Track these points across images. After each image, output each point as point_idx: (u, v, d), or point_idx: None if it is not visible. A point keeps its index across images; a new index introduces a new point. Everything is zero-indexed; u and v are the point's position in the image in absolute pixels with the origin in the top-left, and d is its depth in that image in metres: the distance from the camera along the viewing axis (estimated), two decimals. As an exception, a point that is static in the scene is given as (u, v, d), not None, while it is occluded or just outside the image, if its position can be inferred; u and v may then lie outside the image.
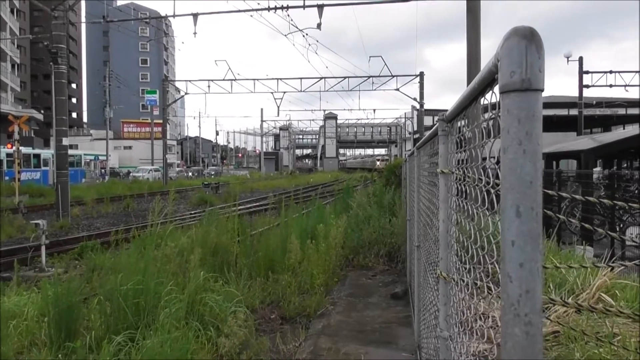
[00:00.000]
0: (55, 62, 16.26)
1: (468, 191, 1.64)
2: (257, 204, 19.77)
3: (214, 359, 4.35)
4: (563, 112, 32.77)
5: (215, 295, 5.16)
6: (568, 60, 27.07)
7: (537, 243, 0.86)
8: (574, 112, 29.12)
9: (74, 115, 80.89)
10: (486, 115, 1.28)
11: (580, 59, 27.14)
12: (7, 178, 29.75)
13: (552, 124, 32.31)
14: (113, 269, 6.03)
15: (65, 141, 16.64)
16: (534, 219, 0.86)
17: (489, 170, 1.27)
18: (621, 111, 32.32)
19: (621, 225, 11.01)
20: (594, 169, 14.07)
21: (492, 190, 1.22)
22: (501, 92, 0.88)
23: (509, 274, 0.87)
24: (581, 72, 27.02)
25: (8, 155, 29.62)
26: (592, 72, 27.61)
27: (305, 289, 6.55)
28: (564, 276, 5.36)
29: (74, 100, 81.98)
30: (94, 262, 7.98)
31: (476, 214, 1.48)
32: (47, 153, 35.25)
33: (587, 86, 27.42)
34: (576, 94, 27.52)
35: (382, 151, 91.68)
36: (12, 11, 57.70)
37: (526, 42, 0.84)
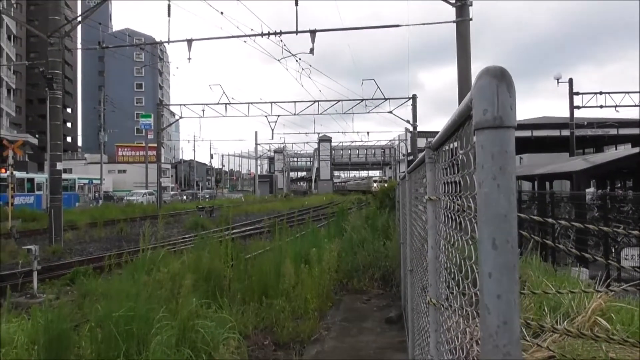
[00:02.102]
0: (50, 88, 16.35)
1: (453, 218, 1.66)
2: (252, 227, 19.70)
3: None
4: (555, 133, 33.10)
5: (208, 321, 5.11)
6: (558, 82, 27.46)
7: (513, 275, 0.88)
8: (565, 132, 29.41)
9: (69, 139, 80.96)
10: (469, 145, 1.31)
11: (570, 81, 27.54)
12: (0, 202, 29.57)
13: (544, 145, 32.61)
14: (105, 294, 5.98)
15: (59, 165, 16.61)
16: (510, 252, 0.88)
17: (471, 199, 1.29)
18: (613, 131, 32.68)
19: (616, 247, 11.02)
20: (587, 190, 14.16)
21: (474, 220, 1.24)
22: (475, 129, 0.91)
23: (487, 305, 0.89)
24: (571, 93, 27.38)
25: (1, 179, 29.50)
26: (582, 93, 28.00)
27: (299, 314, 6.50)
28: (559, 299, 5.35)
29: (68, 124, 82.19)
30: (85, 287, 7.90)
31: (460, 242, 1.50)
32: (41, 177, 35.12)
33: (578, 107, 27.77)
34: (567, 115, 27.84)
35: (377, 173, 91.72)
36: (9, 37, 58.20)
37: (497, 81, 0.88)
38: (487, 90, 0.88)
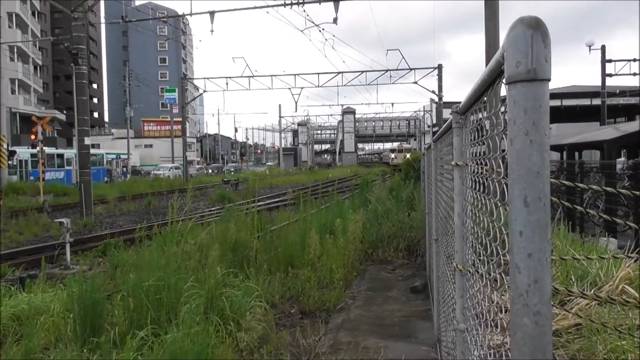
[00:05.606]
0: (76, 63, 16.54)
1: (481, 183, 1.63)
2: (277, 199, 19.87)
3: (234, 353, 4.40)
4: (585, 102, 32.15)
5: (235, 290, 5.21)
6: (590, 49, 26.50)
7: (545, 233, 0.86)
8: (596, 101, 28.54)
9: (96, 114, 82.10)
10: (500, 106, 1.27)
11: (603, 47, 26.52)
12: (32, 178, 30.43)
13: (574, 114, 31.75)
14: (135, 265, 6.14)
15: (87, 141, 16.92)
16: (542, 209, 0.86)
17: (500, 161, 1.27)
18: (646, 99, 31.57)
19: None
20: (618, 160, 13.77)
21: (503, 181, 1.22)
22: (507, 83, 0.88)
23: (517, 265, 0.87)
24: (604, 61, 26.41)
25: (32, 155, 30.30)
26: (615, 61, 26.98)
27: (324, 284, 6.58)
28: (586, 268, 5.29)
29: (95, 100, 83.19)
30: (117, 259, 8.12)
31: (488, 206, 1.47)
32: (70, 153, 35.92)
33: (610, 75, 26.81)
34: (599, 83, 26.94)
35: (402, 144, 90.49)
36: (33, 13, 58.58)
37: (532, 31, 0.84)
38: (520, 41, 0.84)
